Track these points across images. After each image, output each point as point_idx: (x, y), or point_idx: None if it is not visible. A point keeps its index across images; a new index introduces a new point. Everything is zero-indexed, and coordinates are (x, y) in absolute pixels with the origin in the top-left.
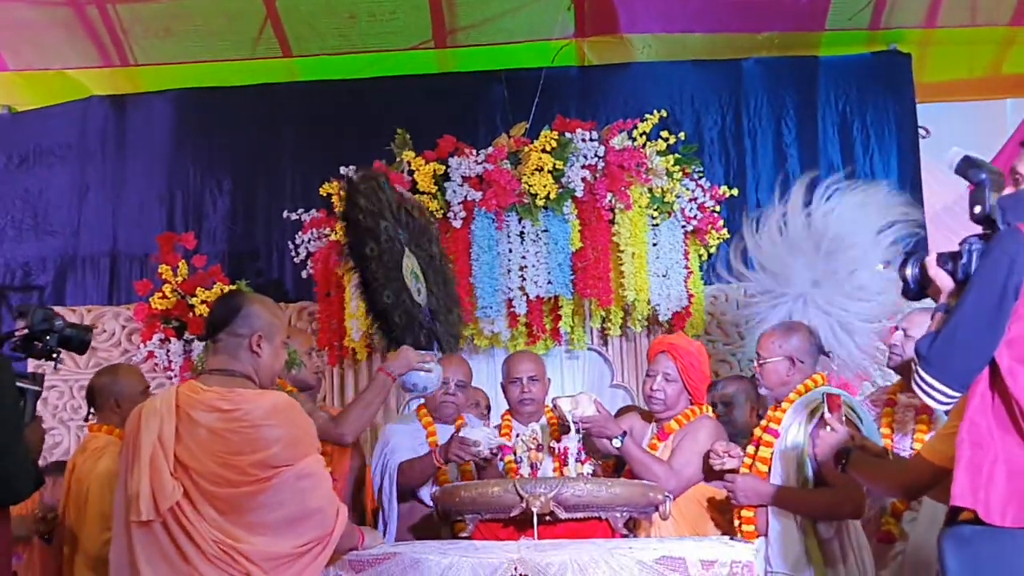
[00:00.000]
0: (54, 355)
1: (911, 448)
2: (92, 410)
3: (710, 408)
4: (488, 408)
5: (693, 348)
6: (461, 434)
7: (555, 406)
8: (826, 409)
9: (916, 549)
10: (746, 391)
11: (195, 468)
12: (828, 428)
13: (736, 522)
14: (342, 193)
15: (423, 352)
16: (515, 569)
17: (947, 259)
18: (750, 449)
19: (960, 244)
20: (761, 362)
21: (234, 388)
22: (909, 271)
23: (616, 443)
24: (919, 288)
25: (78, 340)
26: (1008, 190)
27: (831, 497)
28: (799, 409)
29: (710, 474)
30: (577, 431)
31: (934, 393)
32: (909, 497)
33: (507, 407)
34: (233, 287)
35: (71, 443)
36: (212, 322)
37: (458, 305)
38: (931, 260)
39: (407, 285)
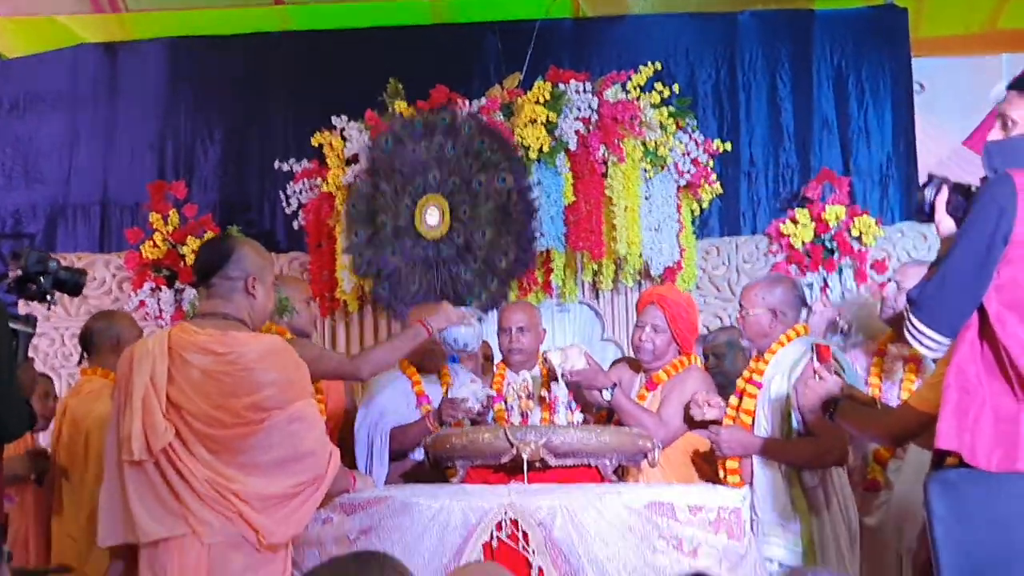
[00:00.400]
0: (48, 297)
1: (899, 397)
2: (85, 354)
3: (699, 359)
4: (491, 359)
5: (682, 299)
6: (449, 396)
7: (545, 359)
8: (815, 359)
9: (901, 497)
10: (736, 342)
11: (188, 409)
12: (817, 377)
13: (721, 472)
14: None
15: (463, 309)
16: (505, 513)
17: (960, 197)
18: (733, 400)
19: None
20: (744, 313)
21: (228, 331)
22: (927, 193)
23: (606, 395)
24: (932, 213)
25: (72, 282)
26: (997, 135)
27: (815, 446)
28: (781, 360)
29: (692, 423)
30: (566, 384)
31: (924, 339)
32: (896, 444)
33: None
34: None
35: (62, 389)
36: (203, 266)
37: (517, 247)
38: (942, 199)
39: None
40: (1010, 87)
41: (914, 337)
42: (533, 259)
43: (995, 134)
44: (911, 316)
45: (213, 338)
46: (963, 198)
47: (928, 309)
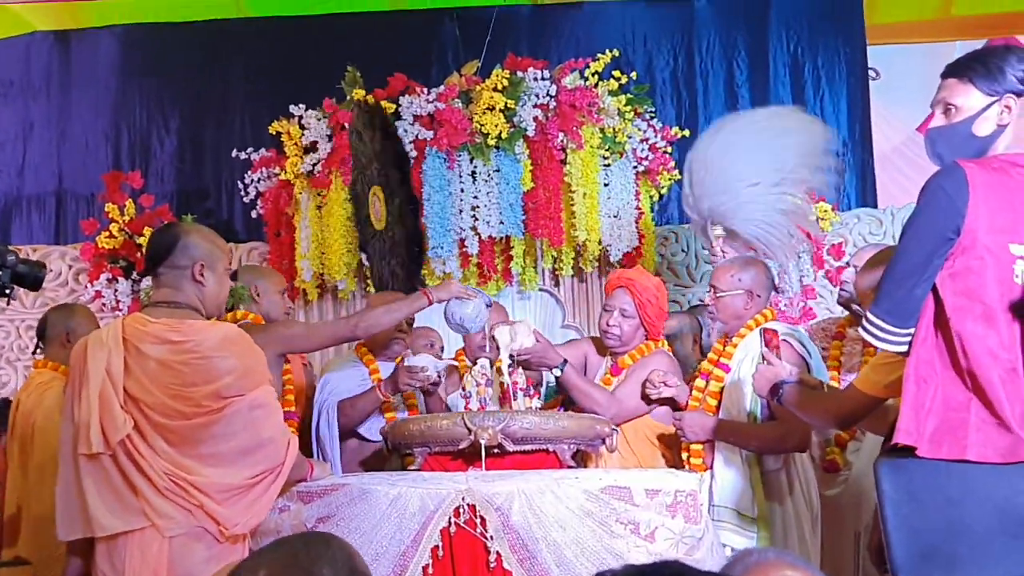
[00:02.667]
0: (7, 291)
1: None
2: (41, 345)
3: (665, 343)
4: (441, 348)
5: (652, 283)
6: (407, 363)
7: (492, 337)
8: (762, 344)
9: (858, 477)
10: (689, 325)
11: (145, 401)
12: (765, 362)
13: (685, 455)
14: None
15: (470, 288)
16: (463, 499)
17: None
18: (699, 383)
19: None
20: (718, 295)
21: (184, 320)
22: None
23: (556, 372)
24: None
25: (32, 277)
26: (940, 122)
27: (776, 431)
28: (751, 344)
29: (649, 402)
30: (511, 362)
31: (880, 333)
32: (842, 427)
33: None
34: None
35: (18, 383)
36: (151, 256)
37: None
38: None
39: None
40: (945, 75)
41: (872, 335)
42: (422, 258)
43: (937, 121)
44: (866, 312)
45: (168, 327)
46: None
47: (880, 301)
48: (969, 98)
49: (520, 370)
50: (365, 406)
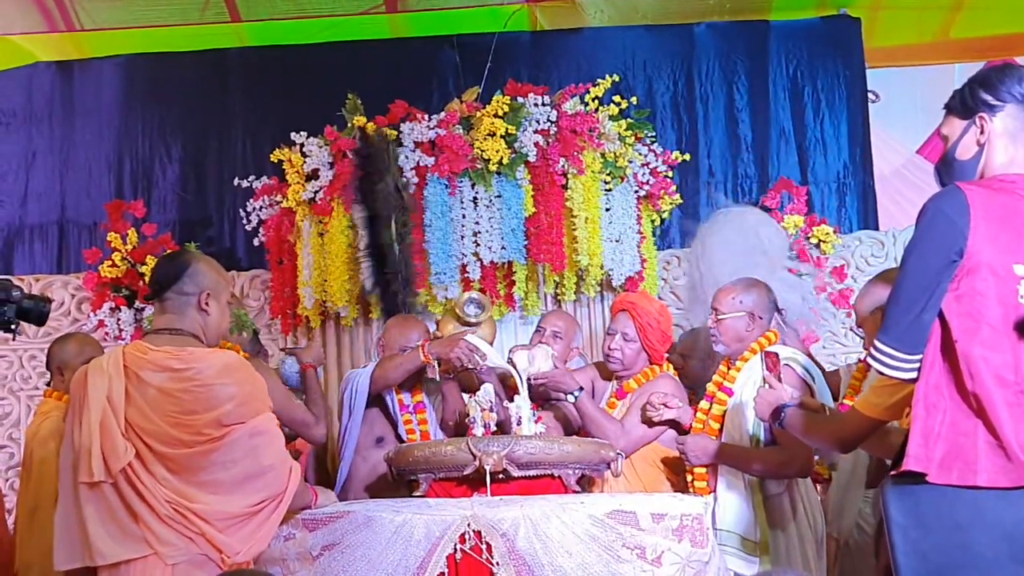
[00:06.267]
0: (12, 327)
1: None
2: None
3: (671, 367)
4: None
5: (654, 308)
6: (471, 339)
7: (510, 360)
8: (764, 368)
9: (837, 487)
10: (705, 343)
11: (146, 429)
12: (767, 386)
13: (689, 478)
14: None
15: (473, 341)
16: (468, 525)
17: None
18: (704, 405)
19: None
20: (720, 317)
21: (185, 347)
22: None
23: (571, 399)
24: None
25: (36, 312)
26: (939, 154)
27: (779, 455)
28: (754, 366)
29: (652, 424)
30: (530, 386)
31: (888, 360)
32: (844, 450)
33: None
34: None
35: (21, 413)
36: (158, 281)
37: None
38: None
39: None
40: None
41: (880, 362)
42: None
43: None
44: (876, 342)
45: (169, 355)
46: None
47: (887, 328)
48: (952, 126)
49: (524, 389)
50: (405, 364)
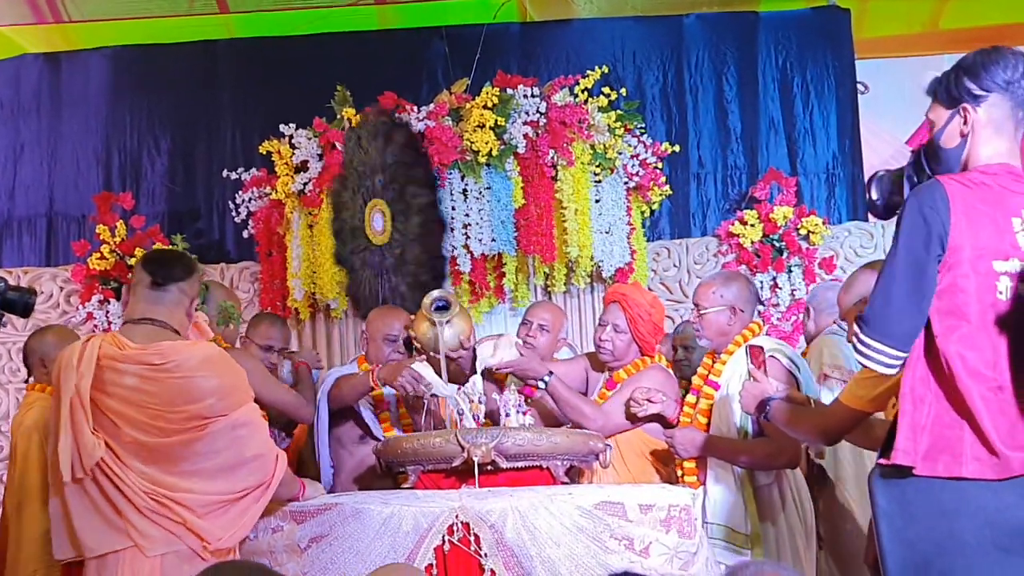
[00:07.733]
0: None
1: None
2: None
3: (663, 358)
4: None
5: (645, 299)
6: (417, 367)
7: (473, 350)
8: (748, 361)
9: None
10: None
11: (123, 419)
12: (751, 379)
13: (679, 472)
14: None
15: (418, 370)
16: (456, 516)
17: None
18: (691, 399)
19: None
20: (702, 312)
21: (163, 340)
22: (874, 194)
23: (541, 384)
24: (886, 209)
25: (22, 304)
26: (926, 138)
27: (766, 447)
28: (739, 359)
29: (635, 419)
30: (482, 375)
31: (876, 355)
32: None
33: None
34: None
35: (9, 405)
36: (170, 272)
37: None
38: None
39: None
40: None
41: (866, 357)
42: (444, 277)
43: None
44: (860, 335)
45: (148, 348)
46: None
47: (876, 324)
48: (937, 113)
49: (513, 387)
50: (356, 386)
